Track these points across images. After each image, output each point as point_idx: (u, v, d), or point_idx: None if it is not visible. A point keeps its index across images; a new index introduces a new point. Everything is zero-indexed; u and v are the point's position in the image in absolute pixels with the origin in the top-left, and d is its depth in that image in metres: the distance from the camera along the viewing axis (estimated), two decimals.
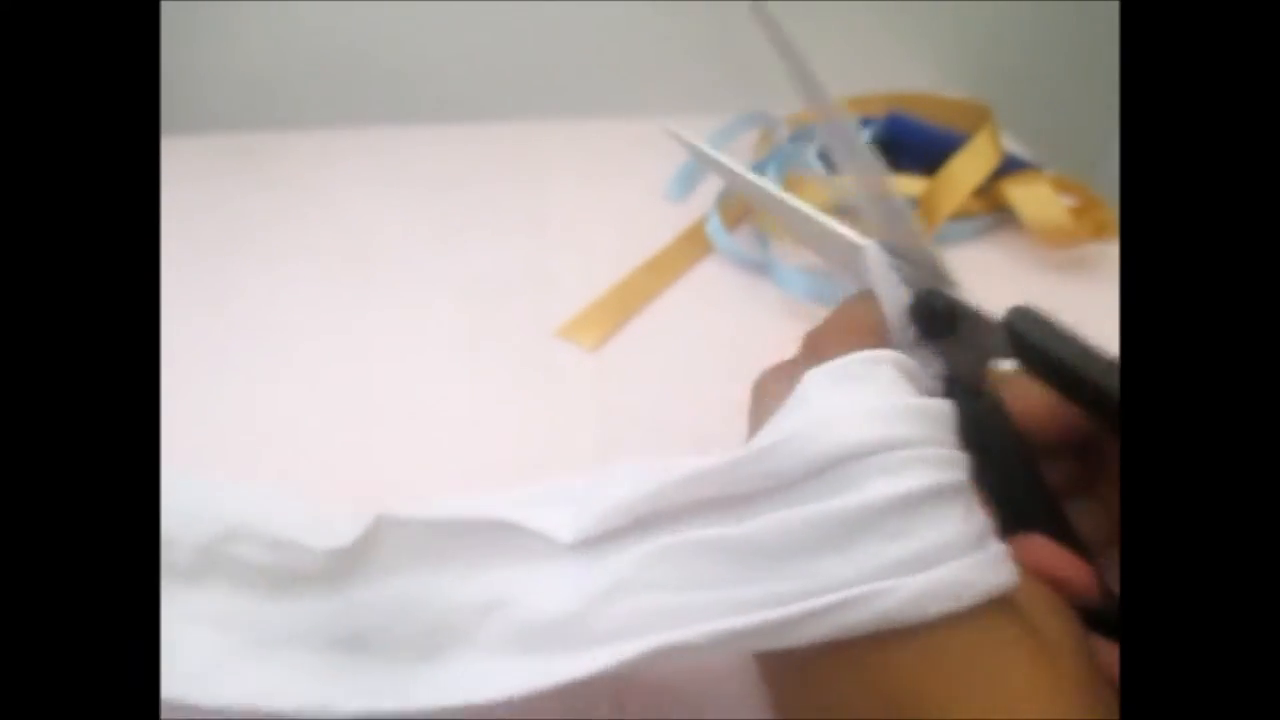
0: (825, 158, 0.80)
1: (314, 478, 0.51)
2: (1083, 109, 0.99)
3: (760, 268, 0.69)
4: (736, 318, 0.65)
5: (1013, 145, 0.79)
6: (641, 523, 0.32)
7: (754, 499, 0.31)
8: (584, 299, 0.66)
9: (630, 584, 0.30)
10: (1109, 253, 0.71)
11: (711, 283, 0.69)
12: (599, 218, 0.77)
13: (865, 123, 0.81)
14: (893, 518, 0.28)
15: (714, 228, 0.73)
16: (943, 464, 0.30)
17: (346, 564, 0.36)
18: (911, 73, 0.97)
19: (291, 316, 0.65)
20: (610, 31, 0.96)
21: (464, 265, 0.71)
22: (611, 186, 0.81)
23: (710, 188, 0.79)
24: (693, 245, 0.73)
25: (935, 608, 0.27)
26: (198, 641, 0.37)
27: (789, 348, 0.41)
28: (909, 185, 0.74)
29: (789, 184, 0.76)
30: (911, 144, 0.77)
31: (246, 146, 0.86)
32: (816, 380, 0.32)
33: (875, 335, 0.39)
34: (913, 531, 0.28)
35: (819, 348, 0.37)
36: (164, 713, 0.34)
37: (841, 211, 0.71)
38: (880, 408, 0.30)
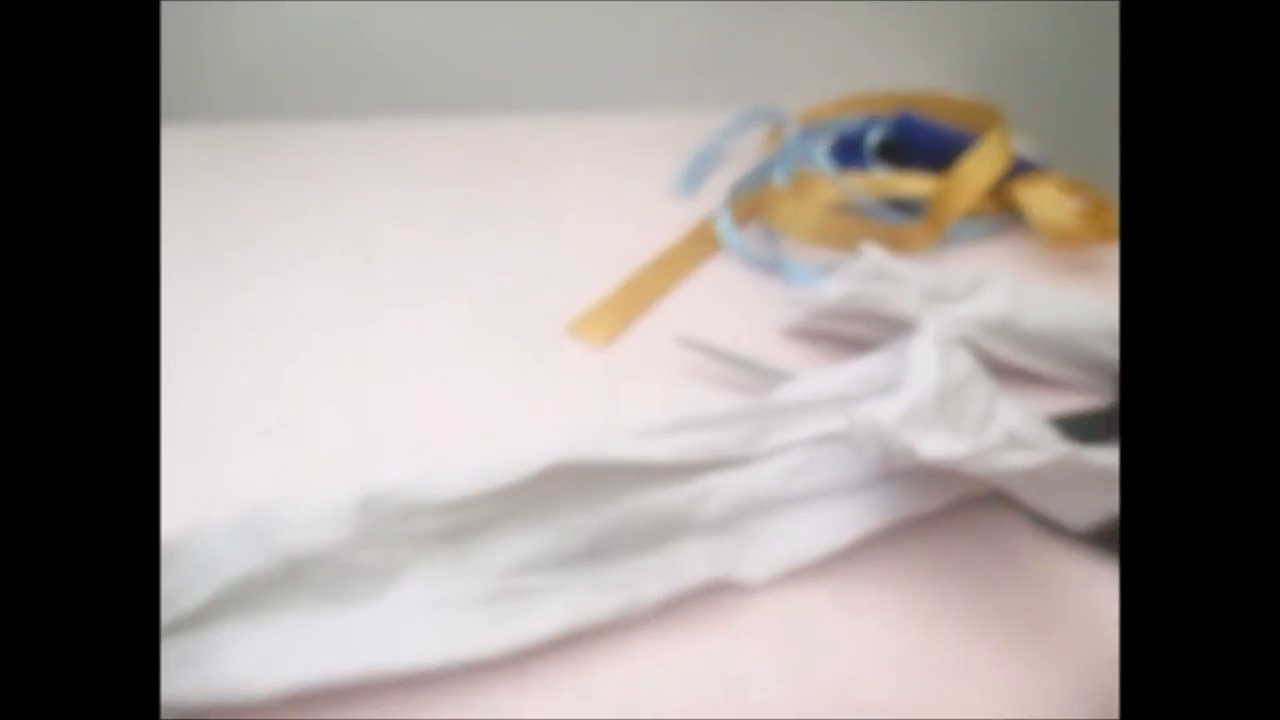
0: (834, 155, 0.79)
1: (317, 468, 0.50)
2: (1091, 109, 0.98)
3: (770, 266, 0.69)
4: (747, 315, 0.64)
5: (1022, 146, 0.78)
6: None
7: None
8: (592, 295, 0.65)
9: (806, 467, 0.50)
10: (1115, 256, 0.71)
11: (721, 280, 0.69)
12: (606, 213, 0.76)
13: (873, 122, 0.81)
14: None
15: (724, 226, 0.72)
16: None
17: (529, 501, 0.45)
18: (920, 72, 0.96)
19: (295, 310, 0.64)
20: (617, 26, 0.95)
21: (470, 260, 0.70)
22: (619, 182, 0.80)
23: (718, 184, 0.79)
24: (701, 242, 0.72)
25: None
26: (438, 602, 0.43)
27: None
28: (918, 185, 0.73)
29: (797, 182, 0.75)
30: (921, 144, 0.77)
31: (251, 138, 0.85)
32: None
33: None
34: None
35: None
36: None
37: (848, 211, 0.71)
38: None
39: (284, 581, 0.42)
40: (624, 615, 0.43)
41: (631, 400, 0.57)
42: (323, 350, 0.61)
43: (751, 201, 0.76)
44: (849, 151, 0.80)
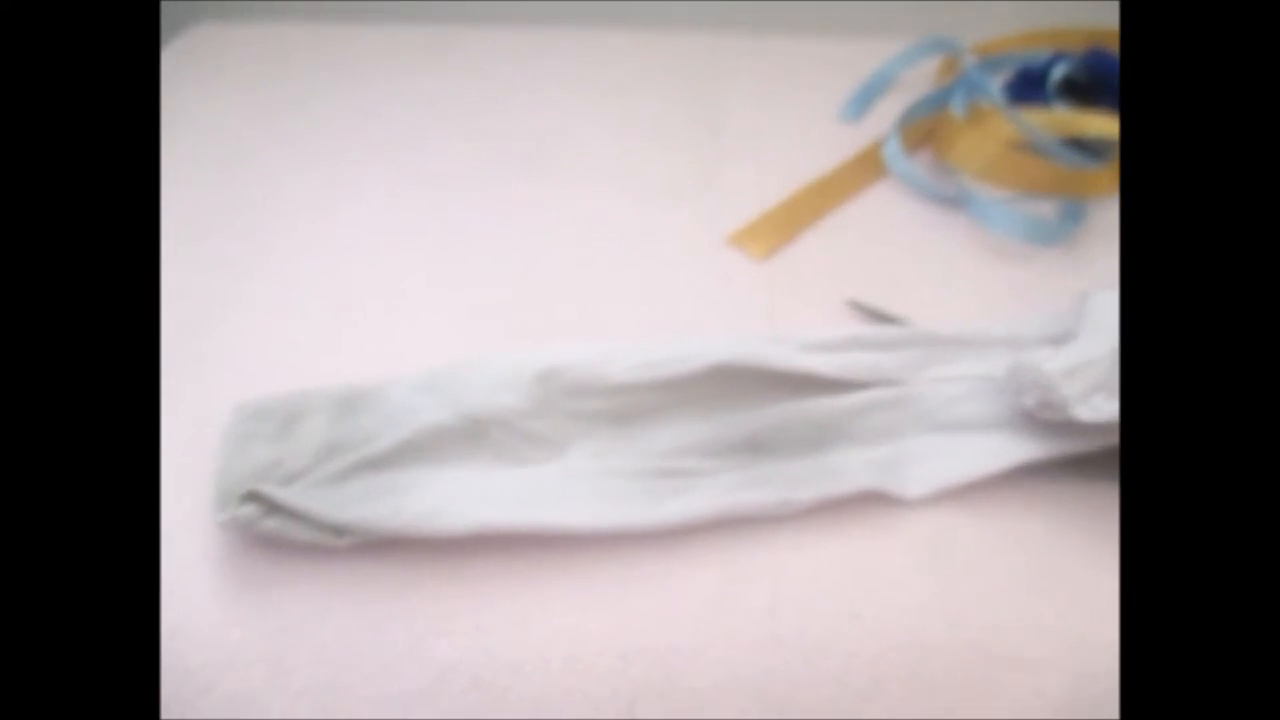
0: (1012, 90, 0.77)
1: (486, 342, 0.53)
2: None
3: (943, 197, 0.68)
4: (911, 245, 0.64)
5: None
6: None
7: None
8: (752, 209, 0.66)
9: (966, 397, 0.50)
10: None
11: (885, 207, 0.68)
12: (772, 131, 0.76)
13: (1059, 57, 0.77)
14: None
15: (892, 153, 0.71)
16: None
17: (693, 393, 0.48)
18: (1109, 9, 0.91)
19: (463, 207, 0.67)
20: None
21: (635, 165, 0.71)
22: (786, 102, 0.80)
23: (887, 110, 0.77)
24: (867, 167, 0.71)
25: None
26: (594, 482, 0.45)
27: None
28: (1104, 125, 0.70)
29: (973, 115, 0.73)
30: (1113, 82, 0.73)
31: (439, 40, 0.88)
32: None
33: None
34: None
35: None
36: None
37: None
38: None
39: (465, 437, 0.46)
40: (777, 510, 0.45)
41: (787, 315, 0.58)
42: (494, 233, 0.64)
43: (921, 131, 0.74)
44: (1029, 86, 0.77)
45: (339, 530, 0.42)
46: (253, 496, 0.42)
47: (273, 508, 0.42)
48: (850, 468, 0.47)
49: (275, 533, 0.42)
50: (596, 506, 0.44)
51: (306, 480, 0.44)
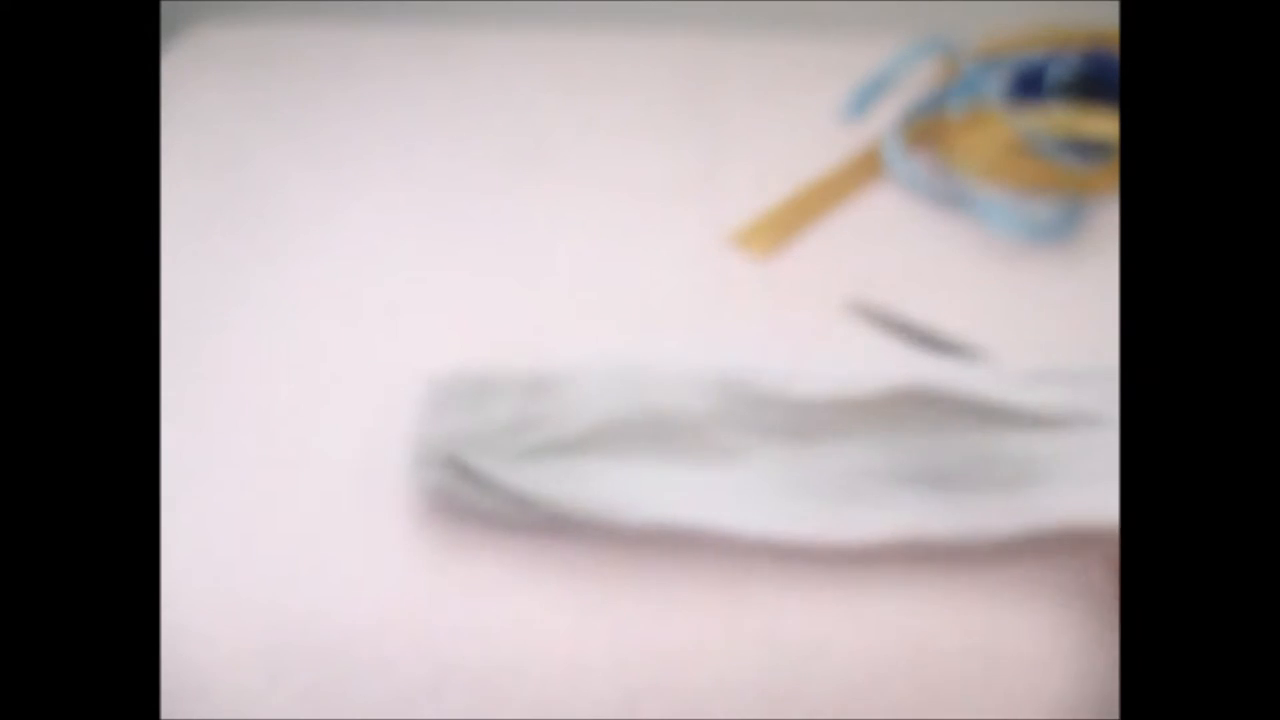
0: (1012, 90, 0.76)
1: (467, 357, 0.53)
2: None
3: (943, 197, 0.68)
4: (907, 244, 0.64)
5: None
6: None
7: None
8: (750, 209, 0.66)
9: None
10: None
11: (885, 207, 0.68)
12: (770, 131, 0.76)
13: (1058, 58, 0.77)
14: None
15: (893, 154, 0.71)
16: None
17: (876, 416, 0.47)
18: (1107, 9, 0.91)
19: (463, 208, 0.67)
20: None
21: (634, 165, 0.71)
22: (786, 104, 0.80)
23: (887, 110, 0.77)
24: (866, 168, 0.71)
25: None
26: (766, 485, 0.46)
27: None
28: (1104, 125, 0.70)
29: (971, 116, 0.73)
30: (1113, 82, 0.73)
31: (439, 41, 0.88)
32: None
33: None
34: None
35: None
36: None
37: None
38: None
39: (646, 432, 0.47)
40: (972, 539, 0.43)
41: (787, 315, 0.58)
42: (495, 234, 0.64)
43: (921, 131, 0.74)
44: (1029, 86, 0.76)
45: (525, 505, 0.44)
46: (451, 463, 0.44)
47: (466, 475, 0.44)
48: (1050, 505, 0.44)
49: (466, 500, 0.44)
50: (775, 518, 0.44)
51: (494, 454, 0.46)
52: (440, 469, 0.44)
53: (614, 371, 0.50)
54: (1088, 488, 0.45)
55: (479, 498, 0.44)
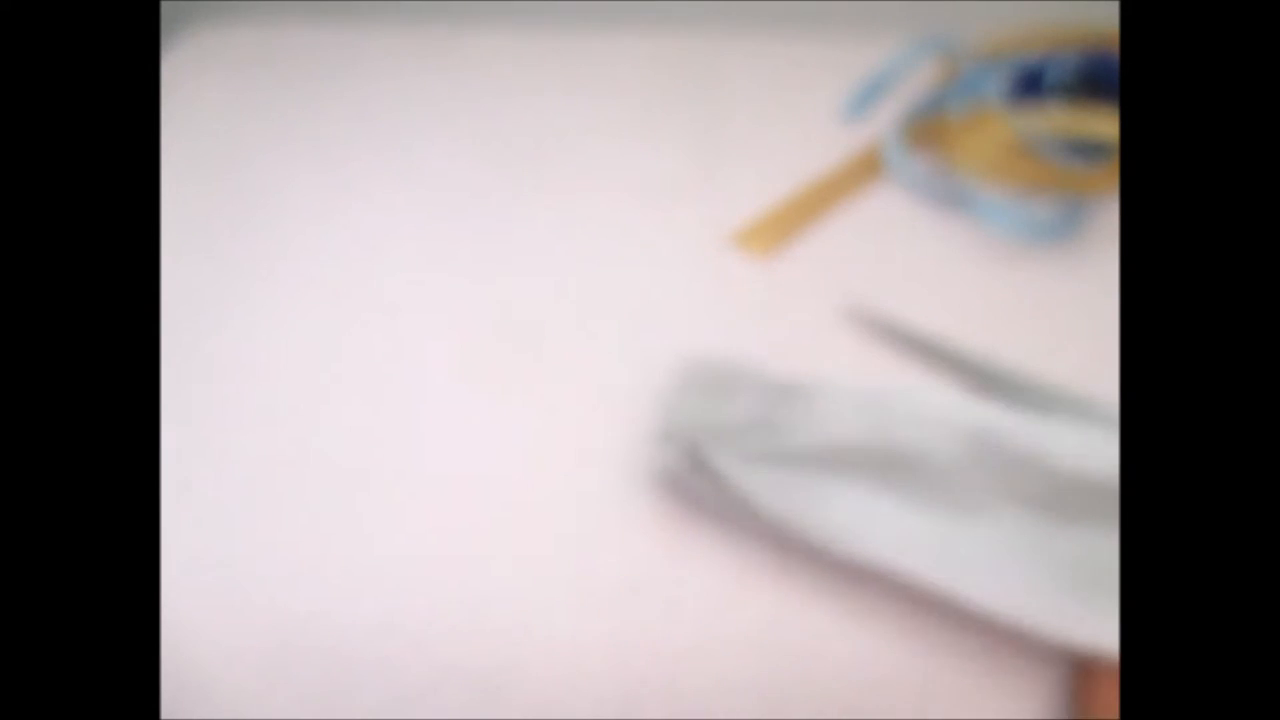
0: (1013, 90, 0.76)
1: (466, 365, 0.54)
2: None
3: (943, 197, 0.68)
4: (910, 244, 0.64)
5: None
6: None
7: None
8: (748, 209, 0.66)
9: None
10: None
11: (885, 207, 0.68)
12: (769, 132, 0.76)
13: (1058, 58, 0.77)
14: None
15: (893, 154, 0.71)
16: None
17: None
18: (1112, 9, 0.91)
19: (450, 210, 0.67)
20: None
21: (630, 165, 0.71)
22: (786, 103, 0.80)
23: (887, 110, 0.77)
24: (865, 168, 0.71)
25: None
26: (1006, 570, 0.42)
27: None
28: (1105, 125, 0.70)
29: (971, 116, 0.73)
30: (1113, 82, 0.73)
31: (439, 42, 0.88)
32: None
33: None
34: None
35: None
36: None
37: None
38: None
39: (884, 465, 0.45)
40: None
41: (787, 315, 0.58)
42: (495, 234, 0.64)
43: (921, 131, 0.74)
44: (1029, 86, 0.76)
45: (756, 514, 0.42)
46: (692, 453, 0.43)
47: (701, 468, 0.43)
48: None
49: (696, 491, 0.43)
50: (1018, 591, 0.41)
51: (731, 452, 0.44)
52: (683, 455, 0.43)
53: (861, 394, 0.47)
54: None
55: (711, 495, 0.43)
